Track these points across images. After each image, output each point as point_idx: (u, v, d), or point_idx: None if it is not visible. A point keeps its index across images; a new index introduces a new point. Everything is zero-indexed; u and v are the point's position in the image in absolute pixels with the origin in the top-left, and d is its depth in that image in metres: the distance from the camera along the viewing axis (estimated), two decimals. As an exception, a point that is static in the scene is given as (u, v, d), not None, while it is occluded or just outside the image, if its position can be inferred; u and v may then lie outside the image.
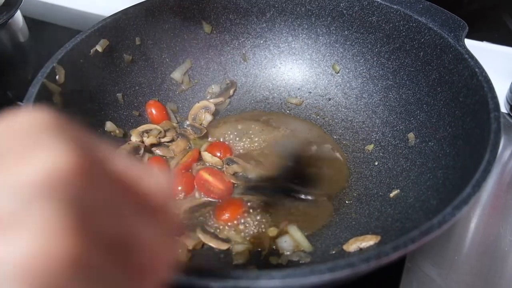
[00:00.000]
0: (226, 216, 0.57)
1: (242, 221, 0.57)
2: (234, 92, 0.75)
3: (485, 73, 0.51)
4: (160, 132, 0.66)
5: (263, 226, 0.57)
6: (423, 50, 0.60)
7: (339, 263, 0.33)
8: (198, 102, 0.72)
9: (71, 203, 0.19)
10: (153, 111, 0.69)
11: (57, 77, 0.55)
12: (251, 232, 0.56)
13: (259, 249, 0.54)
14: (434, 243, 0.57)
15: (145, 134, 0.65)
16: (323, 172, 0.64)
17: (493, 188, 0.65)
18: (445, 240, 0.58)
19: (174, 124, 0.69)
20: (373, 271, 0.38)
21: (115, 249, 0.21)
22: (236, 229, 0.56)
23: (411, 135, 0.61)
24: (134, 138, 0.64)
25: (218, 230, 0.56)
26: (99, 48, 0.61)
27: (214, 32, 0.73)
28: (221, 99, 0.73)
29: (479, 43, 0.81)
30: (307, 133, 0.69)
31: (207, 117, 0.70)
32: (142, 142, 0.64)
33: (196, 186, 0.61)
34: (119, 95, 0.66)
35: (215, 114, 0.72)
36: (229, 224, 0.57)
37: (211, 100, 0.73)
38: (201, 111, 0.70)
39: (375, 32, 0.66)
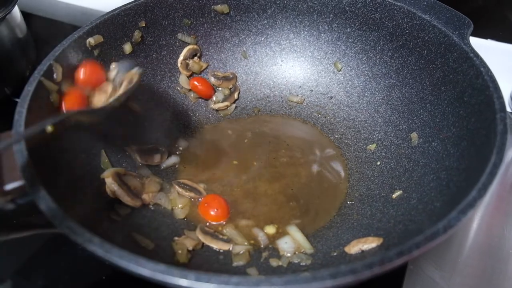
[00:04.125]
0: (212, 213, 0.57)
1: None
2: (238, 95, 0.74)
3: (491, 72, 0.50)
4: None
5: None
6: (427, 48, 0.59)
7: (341, 269, 0.32)
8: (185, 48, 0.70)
9: None
10: None
11: (54, 75, 0.53)
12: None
13: (260, 251, 0.54)
14: (437, 245, 0.57)
15: None
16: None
17: (497, 189, 0.64)
18: (447, 242, 0.57)
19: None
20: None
21: None
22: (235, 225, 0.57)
23: (414, 135, 0.60)
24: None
25: (219, 229, 0.56)
26: (91, 40, 0.58)
27: (215, 29, 0.72)
28: (226, 103, 0.72)
29: (483, 40, 0.80)
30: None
31: (202, 65, 0.69)
32: None
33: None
34: None
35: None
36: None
37: (215, 106, 0.72)
38: (191, 61, 0.68)
39: (378, 30, 0.65)
